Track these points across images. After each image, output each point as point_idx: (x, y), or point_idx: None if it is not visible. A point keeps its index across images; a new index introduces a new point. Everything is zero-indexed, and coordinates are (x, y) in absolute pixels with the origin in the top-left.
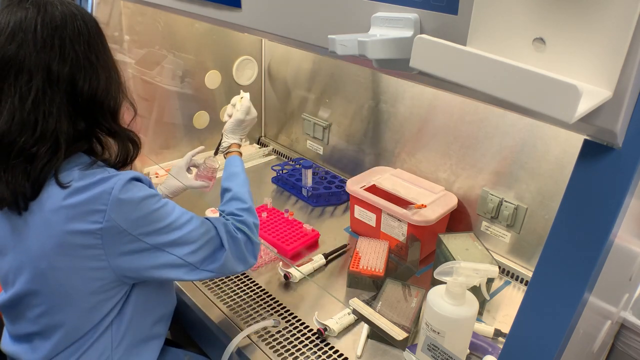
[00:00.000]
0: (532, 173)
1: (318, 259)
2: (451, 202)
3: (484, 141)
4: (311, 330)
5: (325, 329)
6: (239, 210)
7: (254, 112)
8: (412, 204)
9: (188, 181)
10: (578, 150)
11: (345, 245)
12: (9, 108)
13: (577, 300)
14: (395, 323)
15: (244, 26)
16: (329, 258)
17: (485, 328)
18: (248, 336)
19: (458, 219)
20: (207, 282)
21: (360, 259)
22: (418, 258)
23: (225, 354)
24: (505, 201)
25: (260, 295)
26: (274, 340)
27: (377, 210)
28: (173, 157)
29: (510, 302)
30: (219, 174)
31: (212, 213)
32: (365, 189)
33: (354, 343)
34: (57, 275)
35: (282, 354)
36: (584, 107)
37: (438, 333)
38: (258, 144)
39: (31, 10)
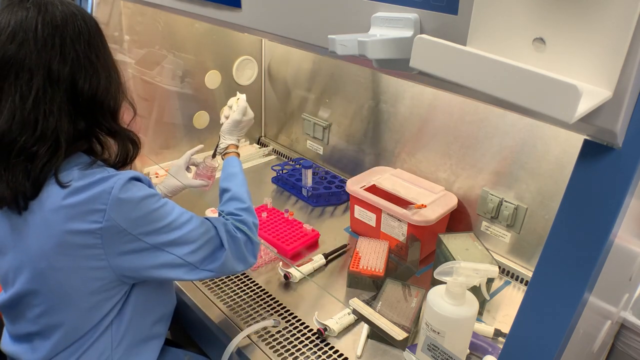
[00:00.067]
0: (532, 173)
1: (318, 259)
2: (451, 202)
3: (484, 141)
4: (311, 330)
5: (325, 329)
6: (238, 210)
7: (250, 113)
8: (412, 204)
9: (187, 180)
10: (578, 150)
11: (345, 245)
12: (10, 107)
13: (577, 300)
14: (395, 323)
15: (244, 26)
16: (329, 258)
17: (485, 328)
18: (248, 336)
19: (458, 219)
20: (207, 282)
21: (360, 259)
22: (418, 258)
23: (225, 354)
24: (505, 201)
25: (260, 295)
26: (274, 340)
27: (377, 210)
28: (173, 157)
29: (510, 302)
30: (218, 174)
31: (212, 213)
32: (365, 189)
33: (354, 343)
34: (57, 275)
35: (282, 354)
36: (584, 107)
37: (438, 333)
38: (258, 144)
39: (32, 10)
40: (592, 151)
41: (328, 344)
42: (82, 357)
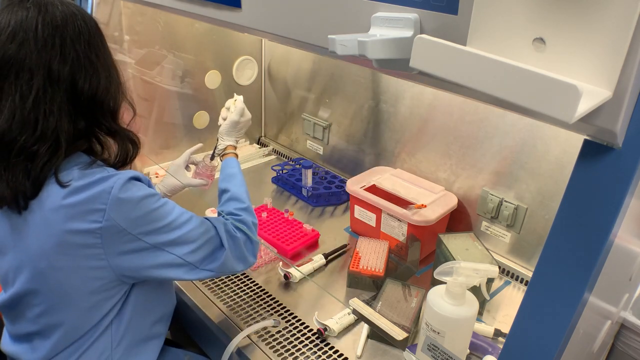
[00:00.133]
0: (532, 173)
1: (318, 259)
2: (451, 202)
3: (484, 141)
4: (311, 330)
5: (325, 329)
6: (238, 210)
7: (248, 114)
8: (412, 204)
9: (186, 179)
10: (578, 150)
11: (345, 245)
12: (10, 107)
13: (577, 301)
14: (395, 323)
15: (244, 26)
16: (329, 258)
17: (485, 328)
18: (248, 336)
19: (458, 219)
20: (207, 282)
21: (360, 259)
22: (418, 258)
23: (225, 354)
24: (505, 201)
25: (260, 295)
26: (274, 340)
27: (377, 210)
28: (173, 157)
29: (510, 302)
30: (217, 173)
31: (211, 213)
32: (365, 189)
33: (354, 343)
34: (57, 274)
35: (282, 354)
36: (584, 107)
37: (438, 333)
38: (258, 144)
39: (32, 10)
40: (592, 151)
41: (328, 344)
42: (82, 356)
